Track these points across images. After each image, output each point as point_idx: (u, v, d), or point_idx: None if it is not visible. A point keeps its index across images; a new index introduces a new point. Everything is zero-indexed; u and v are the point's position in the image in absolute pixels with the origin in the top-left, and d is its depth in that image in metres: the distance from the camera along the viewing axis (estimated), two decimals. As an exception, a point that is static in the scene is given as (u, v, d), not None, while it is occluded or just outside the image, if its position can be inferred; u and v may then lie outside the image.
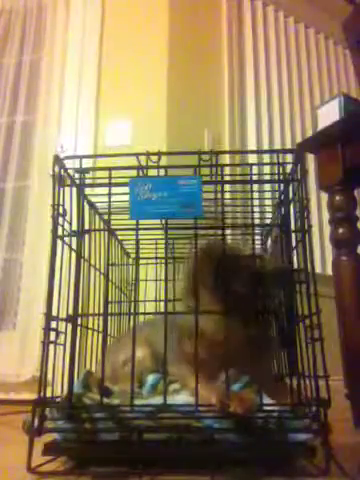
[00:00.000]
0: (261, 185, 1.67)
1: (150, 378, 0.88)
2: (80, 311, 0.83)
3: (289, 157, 0.84)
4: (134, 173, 0.80)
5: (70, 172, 0.84)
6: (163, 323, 0.81)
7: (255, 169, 0.84)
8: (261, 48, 2.35)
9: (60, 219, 0.81)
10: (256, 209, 0.96)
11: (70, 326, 0.80)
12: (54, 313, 0.78)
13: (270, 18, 2.41)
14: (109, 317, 0.83)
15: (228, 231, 1.05)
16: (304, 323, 0.76)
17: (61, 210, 0.81)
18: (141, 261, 1.13)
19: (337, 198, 1.21)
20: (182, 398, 0.77)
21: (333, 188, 1.22)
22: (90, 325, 0.90)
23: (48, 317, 0.77)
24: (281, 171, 0.82)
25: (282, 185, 0.85)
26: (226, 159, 1.80)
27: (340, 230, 1.20)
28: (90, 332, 0.91)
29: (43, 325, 0.77)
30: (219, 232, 0.82)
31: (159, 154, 0.79)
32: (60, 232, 0.81)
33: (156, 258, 1.16)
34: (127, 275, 1.25)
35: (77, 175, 0.84)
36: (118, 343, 1.06)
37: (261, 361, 0.78)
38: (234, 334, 0.77)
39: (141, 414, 0.72)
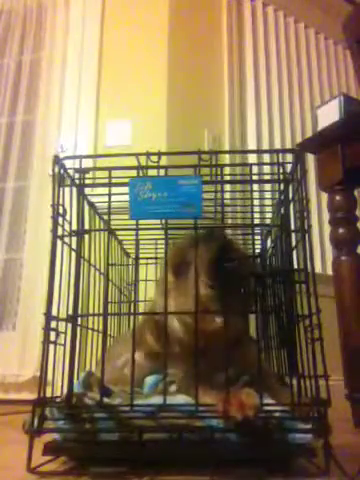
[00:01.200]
0: (261, 185, 1.67)
1: (150, 378, 0.88)
2: (80, 311, 0.83)
3: (289, 157, 0.84)
4: (134, 173, 0.80)
5: (70, 172, 0.84)
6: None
7: (255, 169, 0.84)
8: (261, 48, 2.35)
9: (60, 219, 0.81)
10: (256, 209, 0.96)
11: (70, 326, 0.80)
12: (54, 313, 0.78)
13: (270, 18, 2.41)
14: (109, 317, 0.83)
15: (228, 231, 1.05)
16: (304, 323, 0.76)
17: (61, 210, 0.81)
18: (141, 261, 1.13)
19: (337, 198, 1.21)
20: (182, 398, 0.77)
21: (333, 188, 1.22)
22: (90, 325, 0.90)
23: (48, 317, 0.77)
24: (281, 171, 0.82)
25: (282, 185, 0.85)
26: (226, 159, 1.80)
27: (340, 230, 1.20)
28: (90, 332, 0.91)
29: (43, 325, 0.77)
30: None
31: (159, 154, 0.79)
32: (60, 232, 0.81)
33: (156, 258, 1.16)
34: (127, 275, 1.25)
35: (77, 175, 0.84)
36: (115, 346, 1.06)
37: (250, 356, 0.77)
38: (230, 329, 0.75)
39: (141, 414, 0.72)
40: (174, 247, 0.89)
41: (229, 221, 1.02)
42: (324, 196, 1.49)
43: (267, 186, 1.47)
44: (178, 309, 0.78)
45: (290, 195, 0.84)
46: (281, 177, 0.82)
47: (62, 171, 0.82)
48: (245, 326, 0.88)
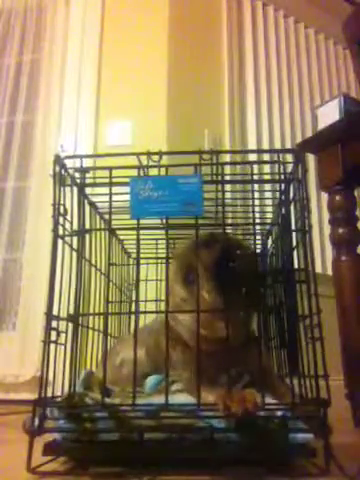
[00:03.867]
0: (261, 185, 1.67)
1: (151, 378, 0.88)
2: (81, 311, 0.82)
3: (289, 157, 0.84)
4: (135, 172, 0.80)
5: (70, 172, 0.84)
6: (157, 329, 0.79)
7: (255, 168, 0.84)
8: (261, 48, 2.35)
9: (61, 219, 0.81)
10: (257, 209, 0.96)
11: (71, 326, 0.80)
12: (55, 313, 0.78)
13: (270, 18, 2.41)
14: (109, 317, 0.83)
15: (229, 230, 1.05)
16: (304, 323, 0.76)
17: (62, 210, 0.81)
18: (142, 261, 1.12)
19: (337, 198, 1.21)
20: (184, 397, 0.77)
21: (333, 188, 1.22)
22: (90, 325, 0.90)
23: (49, 316, 0.77)
24: (281, 171, 0.82)
25: (282, 185, 0.85)
26: (226, 159, 1.80)
27: (340, 230, 1.20)
28: (91, 332, 0.91)
29: (43, 325, 0.77)
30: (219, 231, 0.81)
31: (160, 154, 0.79)
32: (61, 232, 0.81)
33: (157, 258, 1.16)
34: (127, 275, 1.25)
35: (78, 175, 0.84)
36: (115, 347, 1.06)
37: (256, 358, 0.76)
38: (234, 330, 0.75)
39: (142, 413, 0.72)
40: (178, 255, 0.88)
41: (230, 221, 1.02)
42: (324, 196, 1.49)
43: (267, 186, 1.48)
44: (192, 321, 0.77)
45: (291, 195, 0.84)
46: (282, 177, 0.82)
47: (63, 171, 0.82)
48: (250, 327, 0.88)
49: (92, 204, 0.94)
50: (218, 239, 0.82)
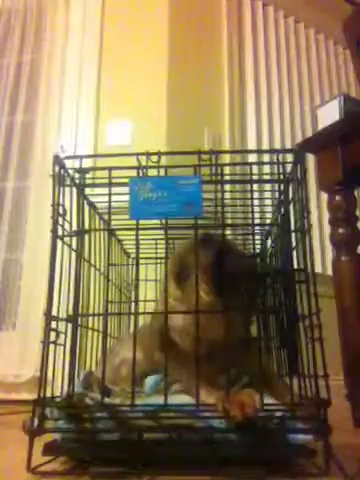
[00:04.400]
0: (261, 185, 1.67)
1: (151, 378, 0.88)
2: (80, 311, 0.83)
3: (289, 157, 0.84)
4: (134, 173, 0.80)
5: (70, 172, 0.84)
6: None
7: (255, 169, 0.84)
8: (261, 48, 2.35)
9: (60, 219, 0.81)
10: (256, 209, 0.96)
11: (70, 326, 0.80)
12: (54, 313, 0.78)
13: (270, 18, 2.41)
14: (109, 317, 0.83)
15: (228, 231, 1.06)
16: (304, 323, 0.76)
17: (61, 210, 0.81)
18: (141, 261, 1.12)
19: (337, 198, 1.21)
20: (183, 397, 0.77)
21: (333, 188, 1.22)
22: (90, 325, 0.90)
23: (48, 317, 0.77)
24: (281, 171, 0.82)
25: (282, 185, 0.85)
26: (226, 159, 1.80)
27: (340, 230, 1.20)
28: (90, 332, 0.91)
29: (43, 325, 0.77)
30: (219, 231, 0.81)
31: (159, 154, 0.79)
32: (60, 232, 0.81)
33: (156, 258, 1.16)
34: (127, 275, 1.25)
35: (77, 175, 0.84)
36: (115, 347, 1.06)
37: (254, 357, 0.76)
38: (231, 331, 0.75)
39: (142, 414, 0.72)
40: (173, 255, 0.89)
41: (229, 221, 1.02)
42: (324, 196, 1.49)
43: (267, 186, 1.48)
44: (185, 321, 0.77)
45: (290, 195, 0.84)
46: (281, 177, 0.82)
47: (62, 171, 0.82)
48: (248, 327, 0.88)
49: (91, 204, 0.94)
50: (214, 240, 0.82)
